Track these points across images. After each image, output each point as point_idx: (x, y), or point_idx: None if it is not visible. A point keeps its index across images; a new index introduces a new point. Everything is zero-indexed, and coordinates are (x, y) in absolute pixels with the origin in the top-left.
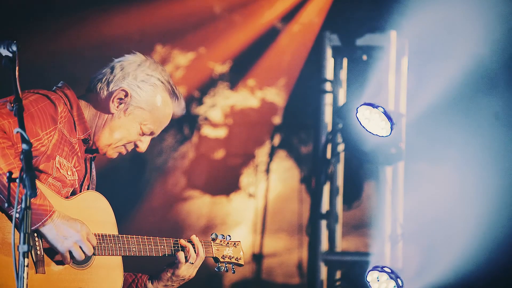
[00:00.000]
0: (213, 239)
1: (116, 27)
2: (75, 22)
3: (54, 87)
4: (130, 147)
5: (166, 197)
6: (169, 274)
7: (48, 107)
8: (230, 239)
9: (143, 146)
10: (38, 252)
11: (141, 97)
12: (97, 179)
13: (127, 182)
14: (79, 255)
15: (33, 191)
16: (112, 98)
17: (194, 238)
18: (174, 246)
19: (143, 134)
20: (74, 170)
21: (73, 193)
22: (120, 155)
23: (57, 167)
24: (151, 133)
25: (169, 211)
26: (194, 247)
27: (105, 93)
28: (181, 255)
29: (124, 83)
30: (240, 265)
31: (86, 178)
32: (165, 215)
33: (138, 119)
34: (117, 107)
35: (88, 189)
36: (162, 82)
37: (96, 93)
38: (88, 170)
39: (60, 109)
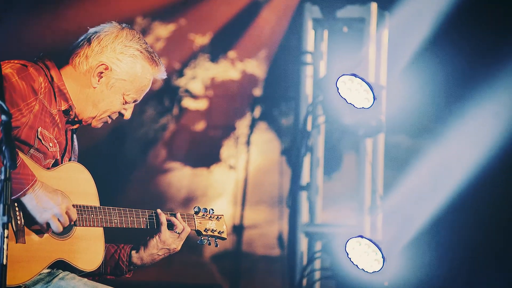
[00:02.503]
0: (196, 212)
1: None
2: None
3: (35, 58)
4: (114, 116)
5: (146, 169)
6: (154, 241)
7: (28, 77)
8: (213, 212)
9: (127, 113)
10: (19, 222)
11: (121, 69)
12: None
13: (107, 154)
14: (57, 228)
15: (13, 163)
16: (92, 73)
17: (178, 216)
18: (156, 218)
19: (126, 103)
20: (55, 141)
21: (55, 164)
22: (103, 125)
23: (39, 138)
24: (135, 101)
25: (150, 183)
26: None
27: (85, 67)
28: (162, 216)
29: (103, 57)
30: (223, 238)
31: (67, 149)
32: (145, 187)
33: (121, 90)
34: (98, 81)
35: (69, 160)
36: (140, 51)
37: (75, 67)
38: (69, 142)
39: (40, 80)
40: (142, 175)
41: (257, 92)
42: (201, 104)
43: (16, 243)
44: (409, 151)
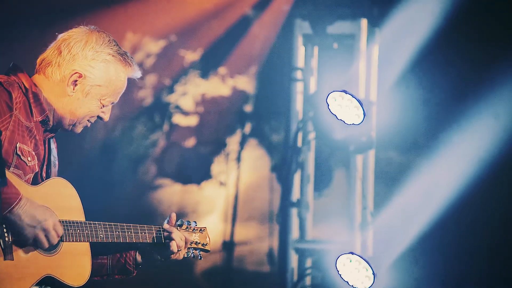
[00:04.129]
0: (179, 225)
1: (86, 13)
2: (44, 8)
3: (7, 70)
4: (93, 120)
5: (137, 185)
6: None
7: (2, 94)
8: (196, 225)
9: (106, 116)
10: (6, 239)
11: (95, 75)
12: (67, 167)
13: (97, 170)
14: (44, 244)
15: (3, 180)
16: (67, 82)
17: (174, 233)
18: (141, 232)
19: (104, 106)
20: (33, 154)
21: (35, 177)
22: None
23: (18, 154)
24: (112, 103)
25: (140, 199)
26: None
27: (58, 76)
28: (173, 244)
29: (76, 65)
30: (207, 251)
31: (45, 159)
32: (136, 204)
33: (97, 96)
34: (73, 89)
35: (49, 170)
36: (112, 55)
37: (48, 77)
38: (47, 152)
39: (15, 95)
40: (132, 192)
41: (248, 108)
42: (192, 121)
43: (4, 260)
44: (400, 167)
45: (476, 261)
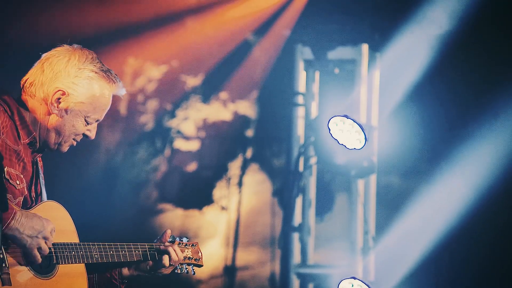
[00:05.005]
0: (171, 242)
1: (87, 38)
2: (44, 36)
3: None
4: (79, 138)
5: (138, 210)
6: (148, 268)
7: None
8: (188, 240)
9: (91, 133)
10: (3, 264)
11: (78, 92)
12: (68, 191)
13: (99, 195)
14: (46, 251)
15: (5, 205)
16: (50, 100)
17: (170, 247)
18: (135, 251)
19: (89, 124)
20: (21, 176)
21: (24, 199)
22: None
23: (7, 179)
24: (97, 120)
25: (142, 224)
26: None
27: (42, 95)
28: (165, 258)
29: (59, 83)
30: (200, 265)
31: (33, 179)
32: (137, 229)
33: (81, 113)
34: (57, 107)
35: (37, 190)
36: (95, 72)
37: (32, 96)
38: (35, 172)
39: (1, 120)
40: (134, 217)
41: (249, 133)
42: (193, 145)
43: (2, 285)
44: (401, 191)
45: (478, 285)
